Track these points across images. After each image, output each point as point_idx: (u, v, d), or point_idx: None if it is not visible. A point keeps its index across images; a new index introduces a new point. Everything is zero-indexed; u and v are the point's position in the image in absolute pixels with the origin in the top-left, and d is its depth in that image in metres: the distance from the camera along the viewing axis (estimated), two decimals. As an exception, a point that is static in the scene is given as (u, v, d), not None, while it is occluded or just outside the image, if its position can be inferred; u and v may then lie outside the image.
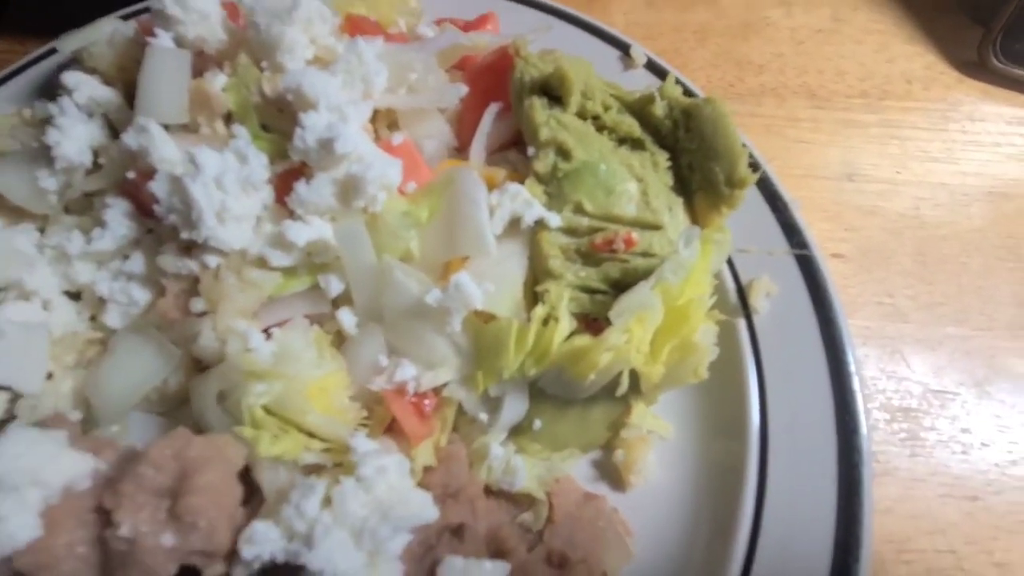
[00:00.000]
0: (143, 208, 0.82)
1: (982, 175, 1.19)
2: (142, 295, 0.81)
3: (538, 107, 0.86)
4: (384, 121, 0.93)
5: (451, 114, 0.95)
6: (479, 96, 0.92)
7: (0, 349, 0.74)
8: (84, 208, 0.89)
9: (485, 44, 1.00)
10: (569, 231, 0.81)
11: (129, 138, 0.80)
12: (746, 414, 0.84)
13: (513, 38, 0.93)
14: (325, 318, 0.81)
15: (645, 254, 0.80)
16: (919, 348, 1.01)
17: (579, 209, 0.81)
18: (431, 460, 0.76)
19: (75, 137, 0.85)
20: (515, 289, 0.80)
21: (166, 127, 0.83)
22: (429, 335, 0.77)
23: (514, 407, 0.80)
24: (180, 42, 0.90)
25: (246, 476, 0.72)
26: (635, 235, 0.80)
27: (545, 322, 0.76)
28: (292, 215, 0.79)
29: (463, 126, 0.94)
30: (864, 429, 0.82)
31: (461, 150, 0.93)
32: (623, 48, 1.16)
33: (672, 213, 0.83)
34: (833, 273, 0.92)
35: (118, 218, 0.83)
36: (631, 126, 0.87)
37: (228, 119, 0.87)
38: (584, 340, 0.74)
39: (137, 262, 0.82)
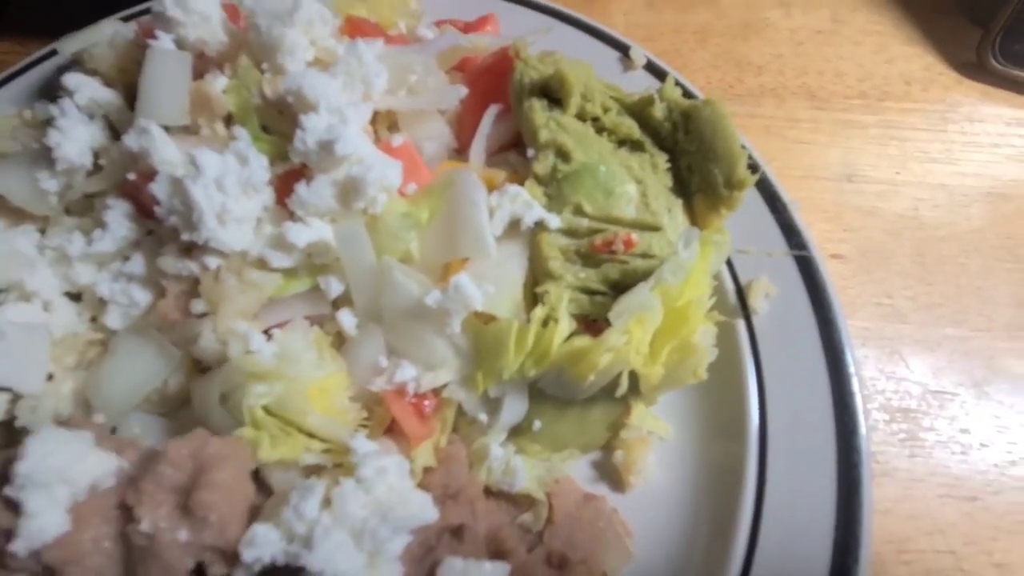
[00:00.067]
0: (144, 209, 0.82)
1: (981, 176, 1.19)
2: (143, 296, 0.81)
3: (538, 109, 0.86)
4: (384, 123, 0.93)
5: (451, 116, 0.95)
6: (479, 98, 0.92)
7: (1, 350, 0.74)
8: (85, 209, 0.89)
9: (485, 46, 1.00)
10: (569, 232, 0.81)
11: (130, 140, 0.81)
12: (745, 415, 0.84)
13: (513, 40, 0.93)
14: (325, 319, 0.81)
15: (644, 255, 0.80)
16: (918, 349, 1.01)
17: (579, 210, 0.81)
18: (431, 461, 0.76)
19: (76, 138, 0.85)
20: (515, 290, 0.80)
21: (167, 129, 0.83)
22: (429, 336, 0.77)
23: (514, 408, 0.80)
24: (181, 44, 0.90)
25: (257, 477, 0.72)
26: (634, 236, 0.80)
27: (545, 323, 0.76)
28: (292, 217, 0.79)
29: (463, 128, 0.94)
30: (863, 430, 0.82)
31: (461, 152, 0.93)
32: (623, 49, 1.16)
33: (671, 214, 0.84)
34: (832, 274, 0.92)
35: (119, 219, 0.83)
36: (631, 128, 0.87)
37: (229, 121, 0.87)
38: (584, 341, 0.75)
39: (138, 263, 0.82)
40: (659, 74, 1.13)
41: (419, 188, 0.84)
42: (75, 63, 1.00)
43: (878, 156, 1.21)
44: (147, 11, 1.08)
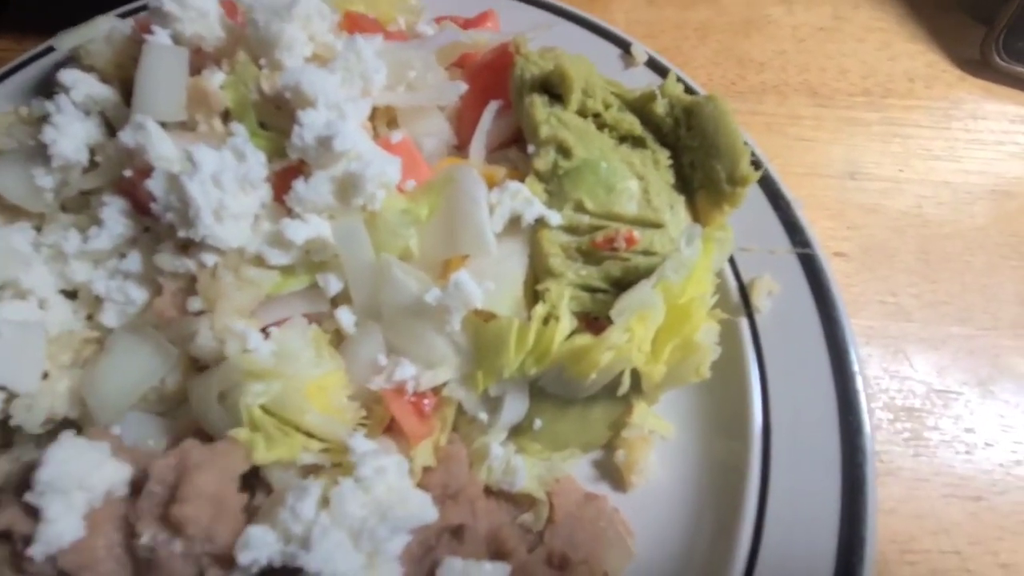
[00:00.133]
0: (140, 206, 0.81)
1: (985, 173, 1.18)
2: (139, 294, 0.80)
3: (538, 105, 0.85)
4: (383, 119, 0.92)
5: (451, 112, 0.94)
6: (479, 94, 0.92)
7: (-4, 348, 0.74)
8: (81, 206, 0.88)
9: (485, 42, 0.99)
10: (570, 229, 0.81)
11: (126, 136, 0.80)
12: (748, 414, 0.84)
13: (513, 36, 0.93)
14: (324, 317, 0.80)
15: (646, 252, 0.79)
16: (922, 347, 1.01)
17: (580, 207, 0.81)
18: (430, 460, 0.76)
19: (72, 135, 0.85)
20: (515, 288, 0.79)
21: (164, 125, 0.82)
22: (428, 334, 0.76)
23: (514, 407, 0.79)
24: (178, 39, 0.89)
25: (258, 476, 0.72)
26: (636, 233, 0.79)
27: (546, 321, 0.76)
28: (290, 213, 0.78)
29: (463, 124, 0.93)
30: (867, 429, 0.81)
31: (461, 148, 0.92)
32: (624, 46, 1.15)
33: (673, 211, 0.83)
34: (836, 272, 0.92)
35: (115, 216, 0.82)
36: (632, 124, 0.86)
37: (226, 117, 0.87)
38: (585, 339, 0.74)
39: (134, 261, 0.81)
40: (660, 71, 1.12)
41: (418, 185, 0.83)
42: (71, 59, 1.00)
43: (881, 153, 1.21)
44: (144, 7, 1.07)
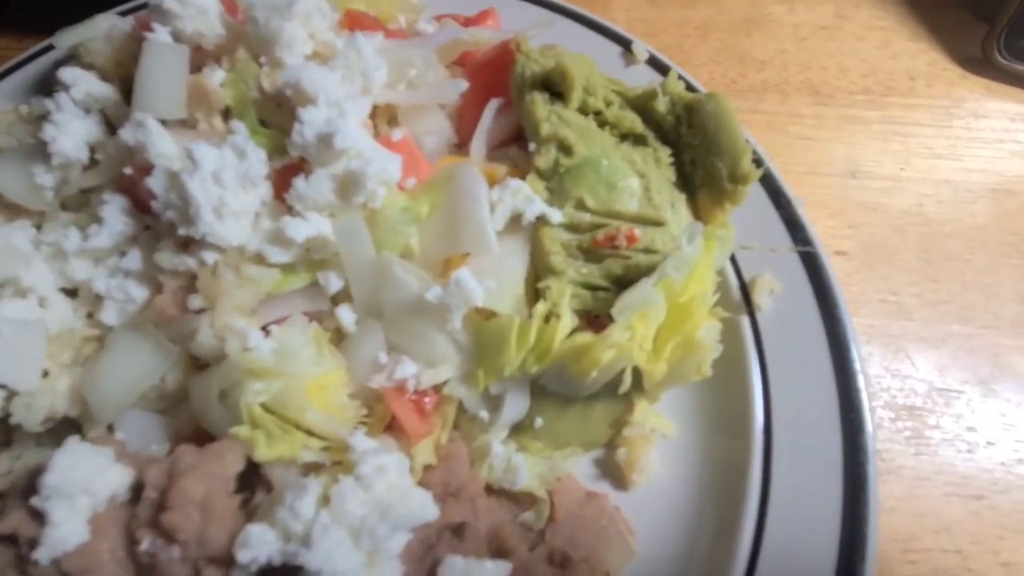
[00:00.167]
0: (140, 204, 0.81)
1: (986, 172, 1.18)
2: (139, 292, 0.80)
3: (539, 102, 0.85)
4: (384, 117, 0.92)
5: (451, 110, 0.94)
6: (479, 92, 0.92)
7: (-4, 346, 0.74)
8: (81, 204, 0.88)
9: (486, 40, 0.99)
10: (571, 227, 0.80)
11: (126, 133, 0.80)
12: (750, 412, 0.84)
13: (514, 34, 0.93)
14: (324, 315, 0.80)
15: (647, 250, 0.79)
16: (923, 346, 1.00)
17: (581, 205, 0.80)
18: (431, 458, 0.76)
19: (72, 133, 0.85)
20: (516, 286, 0.79)
21: (164, 123, 0.82)
22: (429, 332, 0.76)
23: (515, 405, 0.79)
24: (178, 37, 0.89)
25: (259, 474, 0.72)
26: (637, 231, 0.79)
27: (547, 319, 0.75)
28: (291, 211, 0.78)
29: (463, 122, 0.93)
30: (869, 427, 0.81)
31: (461, 146, 0.92)
32: (625, 44, 1.15)
33: (675, 209, 0.83)
34: (837, 270, 0.92)
35: (115, 214, 0.82)
36: (633, 122, 0.86)
37: (226, 114, 0.86)
38: (586, 337, 0.74)
39: (134, 259, 0.80)
40: (661, 69, 1.12)
41: (419, 183, 0.83)
42: (71, 57, 1.00)
43: (882, 152, 1.21)
44: (144, 5, 1.07)
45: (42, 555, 0.63)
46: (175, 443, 0.77)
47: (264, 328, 0.76)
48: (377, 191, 0.78)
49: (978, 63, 1.29)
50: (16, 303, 0.80)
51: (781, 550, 0.76)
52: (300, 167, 0.79)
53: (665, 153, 0.85)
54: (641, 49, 1.13)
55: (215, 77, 0.86)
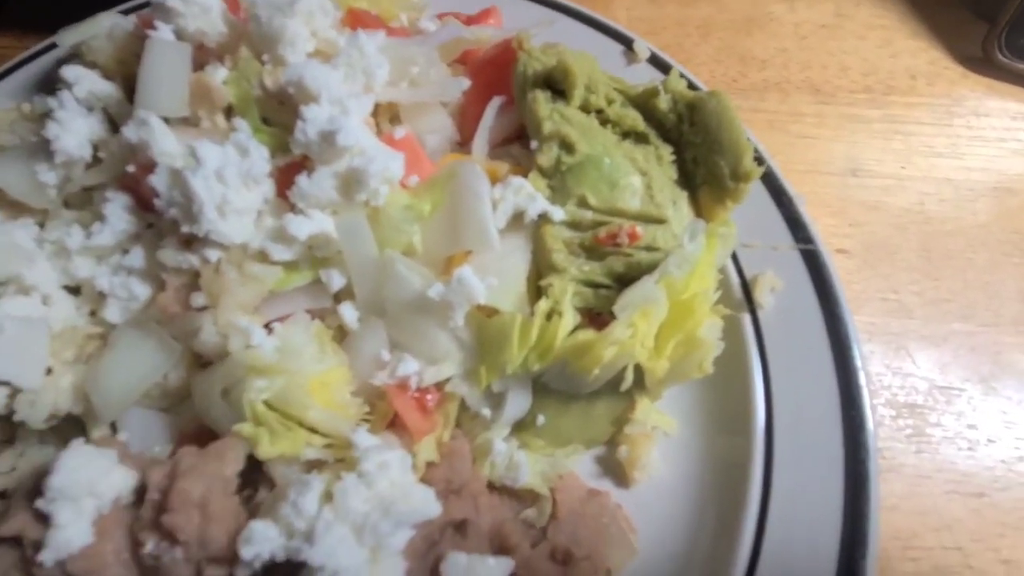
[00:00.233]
0: (143, 202, 0.81)
1: (987, 170, 1.18)
2: (142, 290, 0.80)
3: (541, 100, 0.85)
4: (386, 115, 0.92)
5: (453, 108, 0.94)
6: (482, 90, 0.92)
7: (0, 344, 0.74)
8: (84, 202, 0.88)
9: (488, 38, 0.99)
10: (573, 225, 0.81)
11: (129, 131, 0.80)
12: (751, 410, 0.84)
13: (516, 32, 0.93)
14: (327, 313, 0.80)
15: (649, 248, 0.79)
16: (924, 344, 1.01)
17: (583, 203, 0.80)
18: (434, 456, 0.76)
19: (75, 131, 0.85)
20: (518, 283, 0.79)
21: (166, 121, 0.82)
22: (432, 330, 0.76)
23: (517, 402, 0.79)
24: (180, 35, 0.89)
25: (262, 472, 0.72)
26: (639, 229, 0.79)
27: (549, 316, 0.75)
28: (293, 209, 0.78)
29: (466, 120, 0.93)
30: (870, 425, 0.81)
31: (463, 144, 0.92)
32: (626, 43, 1.16)
33: (676, 207, 0.83)
34: (838, 268, 0.92)
35: (118, 212, 0.82)
36: (635, 120, 0.86)
37: (229, 112, 0.86)
38: (588, 335, 0.74)
39: (137, 256, 0.81)
40: (663, 67, 1.13)
41: (421, 180, 0.83)
42: (74, 56, 1.00)
43: (883, 151, 1.21)
44: (146, 4, 1.07)
45: (47, 557, 0.64)
46: (178, 441, 0.77)
47: (267, 326, 0.76)
48: (379, 189, 0.78)
49: (979, 62, 1.30)
50: (19, 301, 0.80)
51: (782, 547, 0.76)
52: (303, 165, 0.79)
53: (667, 151, 0.86)
54: (642, 47, 1.14)
55: (218, 75, 0.86)
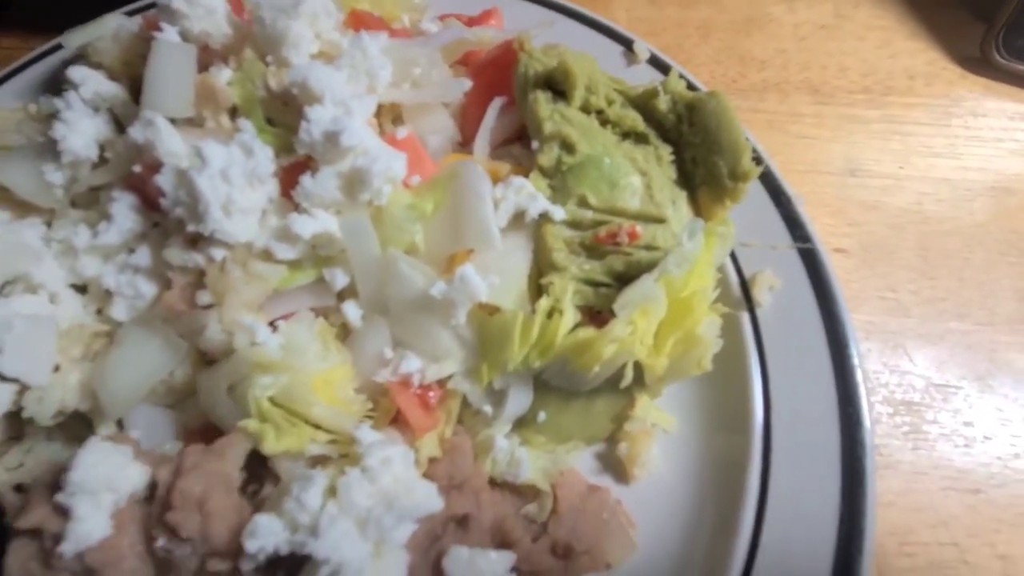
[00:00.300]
0: (149, 202, 0.82)
1: (984, 170, 1.19)
2: (148, 288, 0.81)
3: (542, 101, 0.86)
4: (388, 115, 0.93)
5: (455, 109, 0.95)
6: (483, 91, 0.93)
7: (8, 342, 0.74)
8: (90, 202, 0.89)
9: (489, 39, 1.00)
10: (573, 224, 0.81)
11: (136, 132, 0.81)
12: (749, 408, 0.85)
13: (517, 33, 0.94)
14: (330, 311, 0.81)
15: (649, 247, 0.80)
16: (921, 342, 1.01)
17: (583, 202, 0.81)
18: (436, 452, 0.77)
19: (81, 131, 0.85)
20: (520, 282, 0.80)
21: (172, 121, 0.83)
22: (434, 328, 0.77)
23: (518, 399, 0.80)
24: (185, 37, 0.90)
25: (267, 467, 0.73)
26: (639, 228, 0.80)
27: (549, 314, 0.76)
28: (297, 208, 0.79)
29: (467, 121, 0.94)
30: (867, 422, 0.82)
31: (465, 144, 0.93)
32: (626, 44, 1.16)
33: (676, 206, 0.84)
34: (836, 268, 0.93)
35: (124, 212, 0.83)
36: (635, 120, 0.87)
37: (233, 113, 0.87)
38: (588, 332, 0.75)
39: (143, 255, 0.82)
40: (662, 68, 1.13)
41: (424, 180, 0.84)
42: (79, 57, 1.01)
43: (881, 151, 1.22)
44: (150, 5, 1.08)
45: (67, 549, 0.65)
46: (185, 438, 0.78)
47: (271, 323, 0.77)
48: (383, 188, 0.79)
49: (977, 62, 1.30)
50: (27, 299, 0.81)
51: (780, 543, 0.77)
52: (307, 165, 0.80)
53: (666, 151, 0.86)
54: (642, 48, 1.14)
55: (222, 76, 0.87)
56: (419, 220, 0.81)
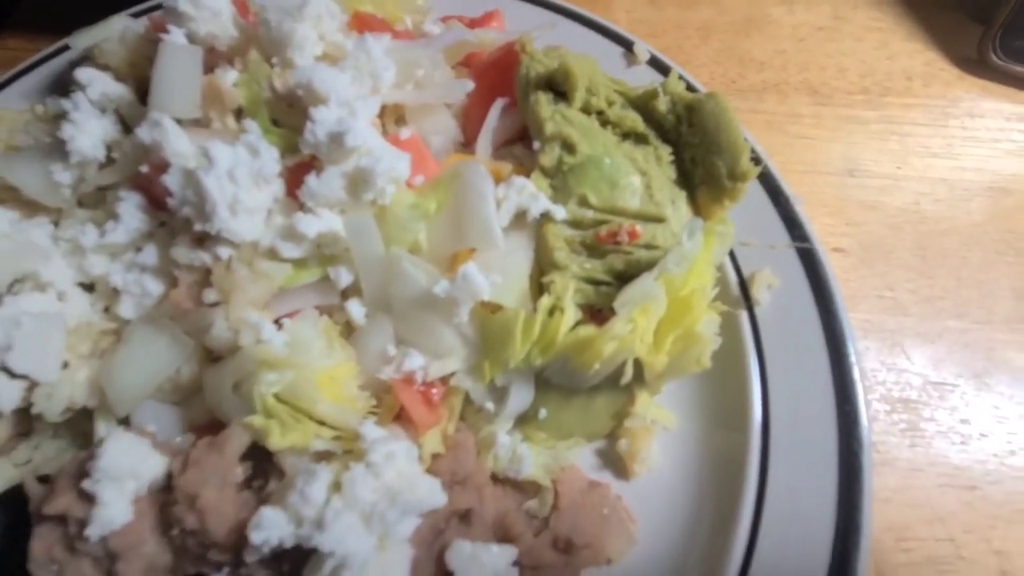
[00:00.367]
0: (156, 201, 0.83)
1: (982, 170, 1.20)
2: (155, 286, 0.82)
3: (543, 102, 0.87)
4: (392, 116, 0.94)
5: (457, 109, 0.96)
6: (485, 92, 0.94)
7: (17, 339, 0.76)
8: (97, 202, 0.90)
9: (491, 41, 1.01)
10: (574, 224, 0.82)
11: (143, 132, 0.82)
12: (748, 405, 0.86)
13: (518, 35, 0.95)
14: (335, 309, 0.82)
15: (649, 246, 0.81)
16: (919, 341, 1.02)
17: (584, 202, 0.82)
18: (439, 447, 0.78)
19: (89, 132, 0.87)
20: (521, 280, 0.81)
21: (179, 122, 0.84)
22: (437, 325, 0.78)
23: (520, 396, 0.81)
24: (192, 39, 0.91)
25: (272, 462, 0.74)
26: (639, 227, 0.81)
27: (551, 312, 0.77)
28: (302, 208, 0.80)
29: (469, 121, 0.95)
30: (864, 420, 0.83)
31: (467, 145, 0.94)
32: (626, 45, 1.17)
33: (675, 206, 0.85)
34: (834, 267, 0.94)
35: (131, 211, 0.84)
36: (635, 121, 0.88)
37: (239, 114, 0.88)
38: (589, 330, 0.76)
39: (150, 254, 0.82)
40: (662, 69, 1.14)
41: (427, 180, 0.85)
42: (86, 58, 1.02)
43: (879, 151, 1.22)
44: (156, 7, 1.09)
45: (92, 532, 0.68)
46: (196, 433, 0.79)
47: (277, 321, 0.78)
48: (386, 188, 0.80)
49: (974, 63, 1.31)
50: (36, 297, 0.82)
51: (778, 538, 0.78)
52: (312, 165, 0.81)
53: (666, 151, 0.87)
54: (642, 50, 1.15)
55: (228, 77, 0.88)
56: (422, 219, 0.82)
